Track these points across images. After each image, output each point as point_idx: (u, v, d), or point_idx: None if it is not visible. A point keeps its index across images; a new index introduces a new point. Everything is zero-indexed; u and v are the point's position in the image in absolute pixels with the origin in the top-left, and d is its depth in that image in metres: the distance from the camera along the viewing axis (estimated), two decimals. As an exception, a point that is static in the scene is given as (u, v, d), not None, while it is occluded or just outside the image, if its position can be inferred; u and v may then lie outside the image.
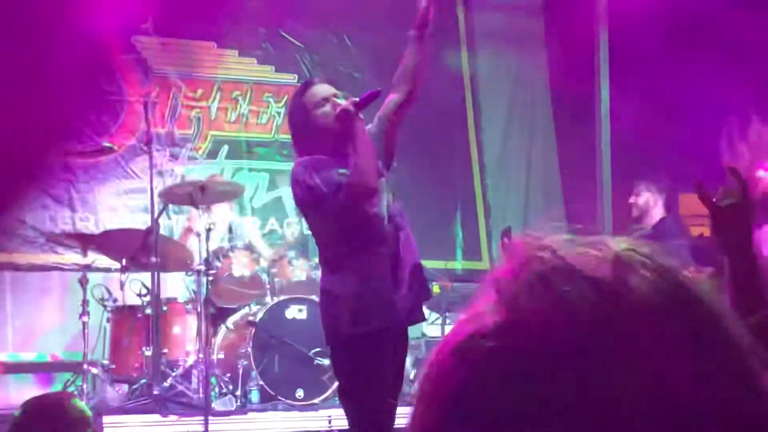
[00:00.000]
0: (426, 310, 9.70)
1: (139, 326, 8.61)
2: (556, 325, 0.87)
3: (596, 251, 0.92)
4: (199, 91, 10.92)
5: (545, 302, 0.89)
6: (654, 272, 0.91)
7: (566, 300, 0.88)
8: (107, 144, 9.85)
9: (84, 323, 8.52)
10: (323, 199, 5.41)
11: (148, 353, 8.35)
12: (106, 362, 8.61)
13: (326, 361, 8.33)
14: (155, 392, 8.07)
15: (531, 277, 0.91)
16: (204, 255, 8.23)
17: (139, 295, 8.64)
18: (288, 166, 10.97)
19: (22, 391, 9.49)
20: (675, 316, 0.89)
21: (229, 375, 8.59)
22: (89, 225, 10.19)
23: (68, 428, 4.07)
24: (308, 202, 5.49)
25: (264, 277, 9.03)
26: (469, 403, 0.88)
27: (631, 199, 8.88)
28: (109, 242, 8.87)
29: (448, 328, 9.52)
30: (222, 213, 9.37)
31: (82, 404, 4.24)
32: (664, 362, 0.86)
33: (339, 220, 5.48)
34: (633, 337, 0.87)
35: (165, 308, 8.66)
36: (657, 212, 8.86)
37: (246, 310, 8.90)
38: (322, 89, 5.77)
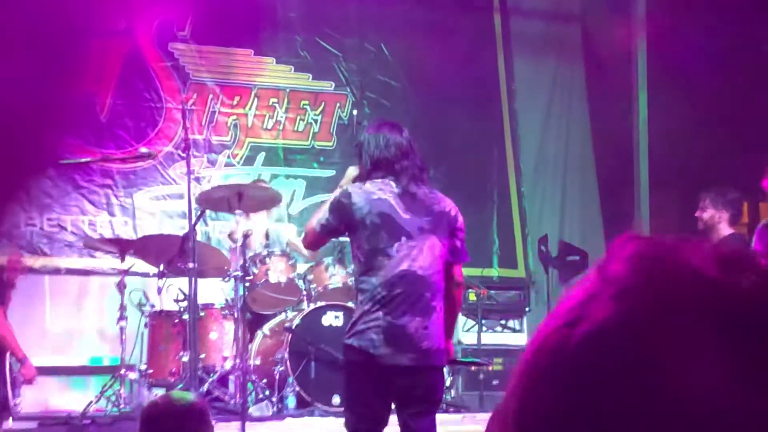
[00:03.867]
0: (462, 320, 9.75)
1: (176, 331, 8.65)
2: (676, 322, 0.87)
3: (702, 253, 0.92)
4: (236, 99, 10.96)
5: (659, 300, 0.88)
6: (758, 274, 0.91)
7: (680, 299, 0.88)
8: (145, 150, 9.91)
9: (121, 328, 8.57)
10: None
11: (185, 358, 8.38)
12: (143, 367, 8.65)
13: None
14: (192, 397, 8.08)
15: (645, 275, 0.90)
16: (241, 261, 8.25)
17: (177, 301, 8.68)
18: (324, 173, 11.08)
19: (60, 396, 9.56)
20: None
21: (265, 381, 8.61)
22: (127, 230, 10.25)
23: (193, 422, 4.21)
24: (464, 252, 6.32)
25: (300, 283, 9.04)
26: (581, 398, 0.87)
27: (697, 213, 8.65)
28: (146, 247, 8.91)
29: (484, 336, 9.53)
30: (259, 220, 9.40)
31: (202, 400, 4.41)
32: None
33: None
34: (751, 336, 0.86)
35: (202, 314, 8.69)
36: (723, 228, 8.61)
37: (282, 316, 8.92)
38: None
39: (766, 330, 0.87)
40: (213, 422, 4.43)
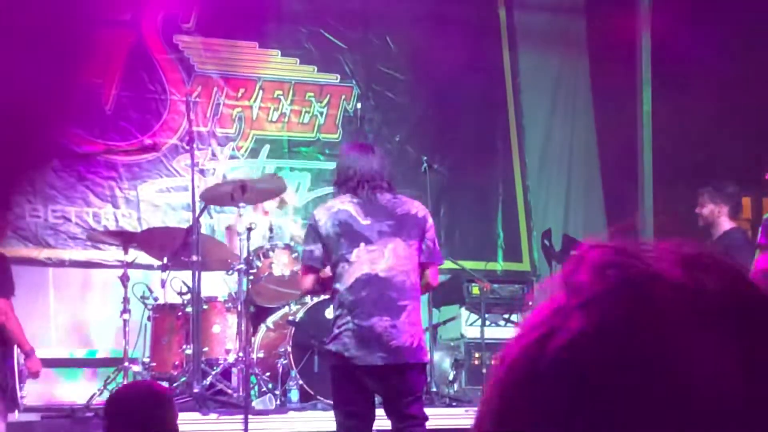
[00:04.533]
0: (465, 314, 9.75)
1: (179, 324, 8.67)
2: (646, 330, 0.87)
3: (666, 256, 0.92)
4: (241, 91, 10.95)
5: (633, 307, 0.88)
6: (724, 274, 0.91)
7: (654, 305, 0.88)
8: (149, 142, 9.91)
9: (125, 321, 8.58)
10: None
11: (189, 351, 8.39)
12: (146, 360, 8.67)
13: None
14: (195, 390, 8.10)
15: (615, 282, 0.89)
16: (244, 254, 8.26)
17: (180, 294, 8.69)
18: (329, 165, 11.08)
19: (64, 388, 9.58)
20: (752, 317, 0.89)
21: (268, 374, 8.62)
22: (132, 222, 10.26)
23: (159, 409, 4.22)
24: (437, 255, 6.81)
25: (304, 276, 9.04)
26: (556, 411, 0.86)
27: (697, 209, 8.64)
28: (150, 240, 8.92)
29: (487, 330, 9.53)
30: (266, 212, 9.41)
31: (167, 389, 4.43)
32: (747, 362, 0.86)
33: None
34: (718, 340, 0.86)
35: (205, 307, 8.70)
36: (723, 221, 8.59)
37: (286, 309, 8.93)
38: None
39: (733, 329, 0.87)
40: (178, 411, 4.47)
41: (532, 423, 0.88)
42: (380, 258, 6.35)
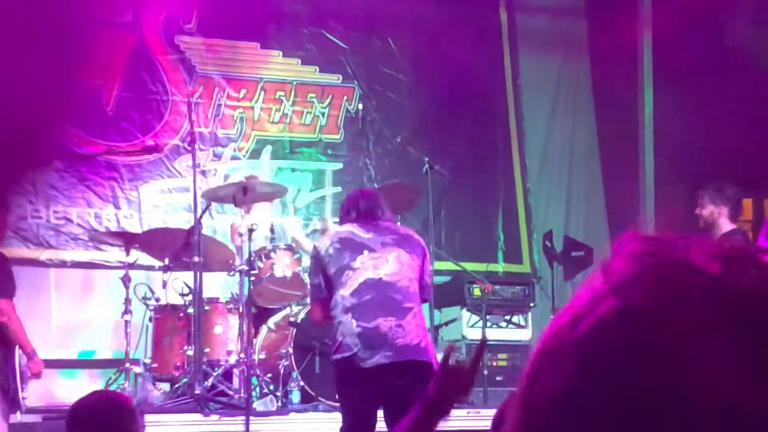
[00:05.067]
0: (466, 315, 9.74)
1: (180, 325, 8.67)
2: (667, 316, 0.88)
3: (707, 249, 0.93)
4: (243, 92, 10.95)
5: (656, 293, 0.89)
6: (762, 275, 0.92)
7: (678, 292, 0.89)
8: (151, 143, 9.91)
9: (126, 321, 8.59)
10: None
11: (190, 352, 8.39)
12: (147, 361, 8.67)
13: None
14: (196, 391, 8.09)
15: (643, 269, 0.91)
16: (246, 255, 8.27)
17: (182, 295, 8.68)
18: (331, 166, 11.08)
19: (65, 389, 9.57)
20: None
21: (270, 375, 8.63)
22: (133, 222, 10.25)
23: (120, 420, 4.19)
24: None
25: (305, 277, 9.02)
26: (578, 394, 0.88)
27: (697, 210, 8.63)
28: (152, 241, 8.93)
29: (488, 331, 9.52)
30: (263, 213, 9.40)
31: (129, 398, 4.37)
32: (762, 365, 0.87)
33: None
34: (743, 332, 0.87)
35: (207, 308, 8.70)
36: (723, 223, 8.58)
37: (287, 310, 8.93)
38: None
39: (759, 329, 0.88)
40: (143, 422, 4.45)
41: (555, 401, 0.90)
42: (384, 263, 6.48)
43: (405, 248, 6.59)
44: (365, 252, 6.51)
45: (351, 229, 6.62)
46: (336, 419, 8.25)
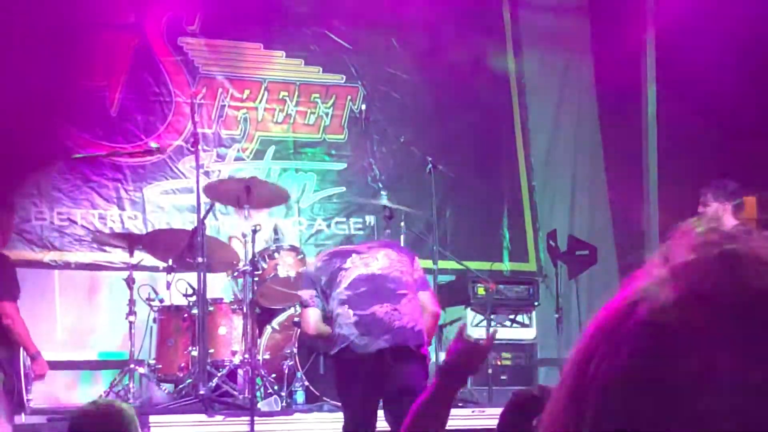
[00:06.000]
0: (471, 314, 9.74)
1: (185, 326, 8.67)
2: (730, 302, 0.89)
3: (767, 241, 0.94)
4: (246, 92, 10.95)
5: (721, 280, 0.90)
6: None
7: (743, 282, 0.90)
8: (154, 144, 9.92)
9: (131, 323, 8.59)
10: None
11: (194, 353, 8.39)
12: (152, 362, 8.67)
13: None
14: (201, 392, 8.09)
15: (706, 257, 0.92)
16: (249, 256, 8.27)
17: (186, 295, 8.69)
18: (335, 166, 11.08)
19: (70, 390, 9.58)
20: None
21: (274, 375, 8.62)
22: (137, 224, 10.25)
23: (120, 427, 4.19)
24: None
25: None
26: (636, 376, 0.89)
27: (700, 209, 8.61)
28: (155, 242, 8.93)
29: (493, 330, 9.50)
30: (266, 215, 9.41)
31: (130, 407, 4.36)
32: None
33: None
34: None
35: (211, 308, 8.70)
36: (727, 219, 8.55)
37: (291, 311, 8.92)
38: None
39: None
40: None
41: (613, 381, 0.91)
42: (374, 260, 6.80)
43: (392, 248, 6.97)
44: (353, 255, 6.82)
45: (335, 249, 7.17)
46: (339, 419, 8.27)
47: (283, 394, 8.45)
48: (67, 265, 10.06)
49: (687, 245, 0.94)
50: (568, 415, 0.94)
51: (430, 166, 9.46)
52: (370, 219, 10.80)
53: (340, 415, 8.26)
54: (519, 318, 10.01)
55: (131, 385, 8.43)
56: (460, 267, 10.16)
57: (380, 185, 10.78)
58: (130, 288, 8.64)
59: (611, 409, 0.90)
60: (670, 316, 0.89)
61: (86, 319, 10.04)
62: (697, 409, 0.87)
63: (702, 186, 8.68)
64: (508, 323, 9.96)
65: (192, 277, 8.56)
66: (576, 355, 0.95)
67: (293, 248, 9.19)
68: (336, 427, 8.29)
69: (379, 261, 6.72)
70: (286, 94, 11.12)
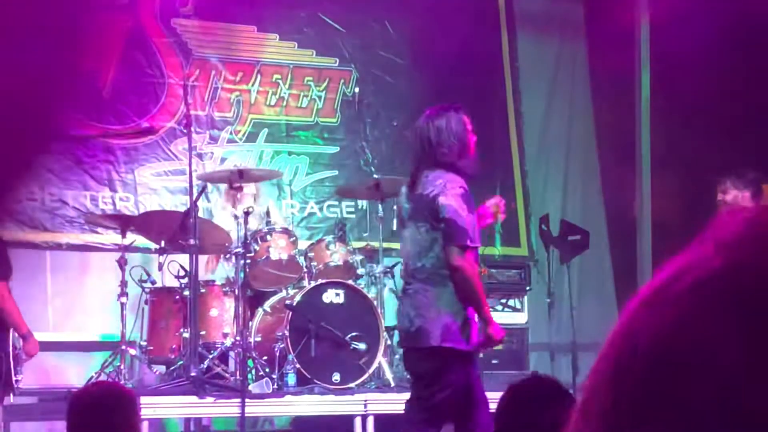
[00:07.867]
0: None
1: (176, 308, 8.66)
2: None
3: None
4: (239, 75, 10.92)
5: (766, 256, 0.90)
6: None
7: None
8: (146, 125, 9.89)
9: (122, 304, 8.59)
10: (463, 247, 6.48)
11: (186, 335, 8.40)
12: (143, 343, 8.67)
13: (362, 346, 8.40)
14: (192, 374, 8.09)
15: (755, 234, 0.92)
16: (242, 238, 8.27)
17: (177, 277, 8.68)
18: (327, 149, 11.06)
19: (61, 371, 9.58)
20: None
21: (265, 358, 8.62)
22: (129, 205, 10.23)
23: (123, 413, 4.19)
24: (450, 236, 6.45)
25: (301, 260, 9.03)
26: (676, 345, 0.89)
27: (719, 197, 8.64)
28: (147, 223, 8.93)
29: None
30: (259, 196, 9.41)
31: (131, 391, 4.39)
32: None
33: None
34: None
35: (203, 290, 8.70)
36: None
37: (283, 293, 8.93)
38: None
39: None
40: (140, 413, 4.47)
41: (653, 348, 0.90)
42: (405, 246, 6.75)
43: (416, 219, 6.82)
44: (402, 230, 7.04)
45: (403, 191, 6.95)
46: (330, 401, 8.29)
47: (274, 376, 8.45)
48: (58, 247, 10.04)
49: (736, 223, 0.94)
50: (610, 386, 0.93)
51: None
52: (363, 203, 10.78)
53: (331, 397, 8.30)
54: (510, 302, 10.02)
55: (122, 367, 8.43)
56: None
57: (373, 169, 10.77)
58: (122, 269, 8.64)
59: (655, 377, 0.89)
60: (718, 283, 0.89)
61: (77, 300, 10.02)
62: (739, 383, 0.86)
63: (701, 171, 8.71)
64: (499, 307, 9.96)
65: (184, 258, 8.56)
66: (619, 326, 0.95)
67: (285, 231, 9.19)
68: (327, 409, 8.32)
69: (407, 247, 6.90)
70: (279, 76, 11.10)
